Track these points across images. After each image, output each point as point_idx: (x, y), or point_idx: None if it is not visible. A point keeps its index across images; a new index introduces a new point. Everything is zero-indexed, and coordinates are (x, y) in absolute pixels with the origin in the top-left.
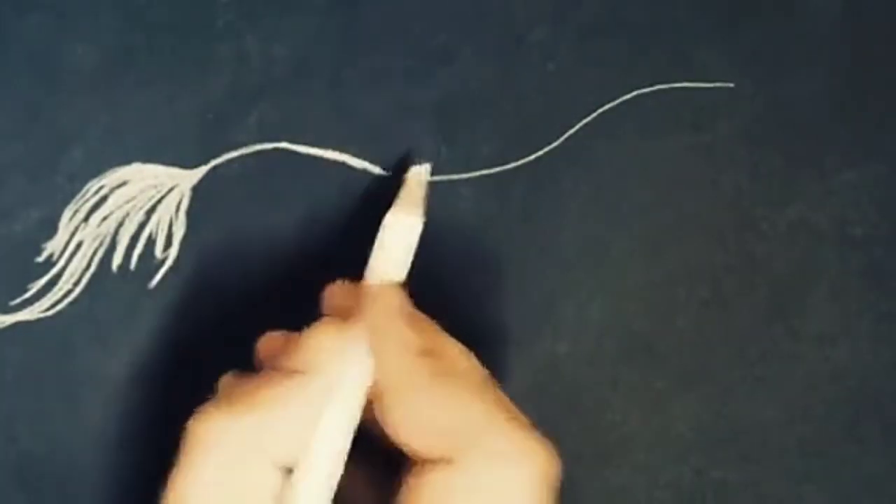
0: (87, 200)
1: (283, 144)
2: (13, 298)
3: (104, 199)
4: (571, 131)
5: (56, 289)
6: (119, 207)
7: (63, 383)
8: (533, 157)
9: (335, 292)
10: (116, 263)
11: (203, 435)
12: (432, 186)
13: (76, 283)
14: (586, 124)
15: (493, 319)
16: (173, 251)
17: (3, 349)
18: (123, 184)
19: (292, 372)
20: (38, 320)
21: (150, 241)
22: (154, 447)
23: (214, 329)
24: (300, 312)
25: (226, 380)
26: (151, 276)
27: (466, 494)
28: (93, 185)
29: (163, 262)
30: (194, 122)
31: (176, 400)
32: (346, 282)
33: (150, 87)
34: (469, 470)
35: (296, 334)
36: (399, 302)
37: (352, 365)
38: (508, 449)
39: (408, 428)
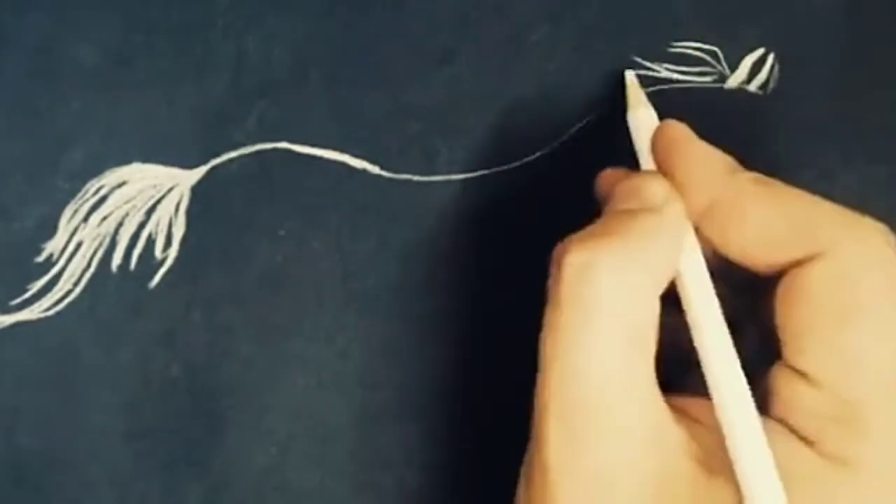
0: (87, 200)
1: (283, 144)
2: (13, 298)
3: (104, 199)
4: (571, 131)
5: (56, 289)
6: (119, 207)
7: (63, 383)
8: (533, 157)
9: (607, 178)
10: (116, 263)
11: (582, 264)
12: (432, 186)
13: (76, 283)
14: (586, 124)
15: (494, 319)
16: (173, 251)
17: (2, 349)
18: (123, 184)
19: (636, 210)
20: (38, 320)
21: (150, 241)
22: (155, 448)
23: (214, 329)
24: (301, 312)
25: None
26: (151, 276)
27: (861, 276)
28: (92, 185)
29: (163, 262)
30: (194, 123)
31: (176, 402)
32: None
33: (149, 87)
34: (846, 256)
35: (632, 173)
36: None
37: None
38: (869, 227)
39: (755, 237)
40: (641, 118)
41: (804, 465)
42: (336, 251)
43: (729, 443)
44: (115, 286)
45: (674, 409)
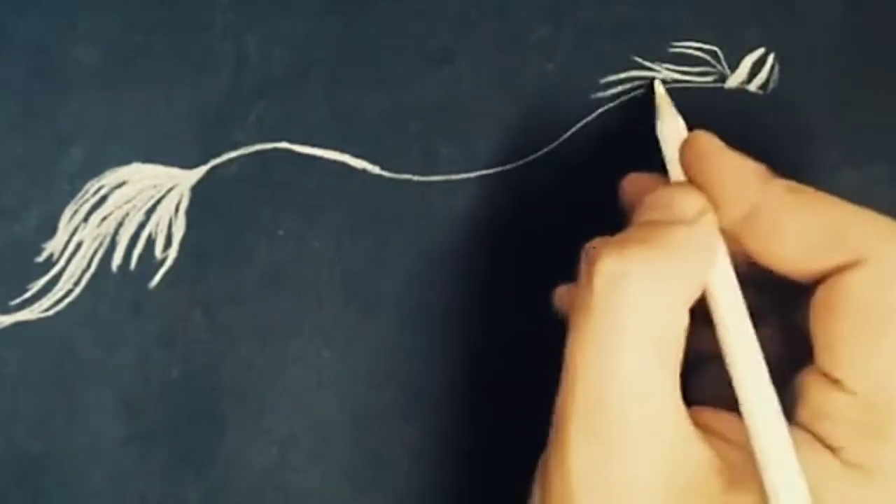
0: (87, 200)
1: (283, 144)
2: (13, 298)
3: (104, 199)
4: (571, 131)
5: (56, 289)
6: (119, 207)
7: (63, 383)
8: (533, 157)
9: (637, 182)
10: (116, 263)
11: (615, 272)
12: (432, 186)
13: (76, 283)
14: (586, 124)
15: (494, 319)
16: (173, 251)
17: (3, 349)
18: (123, 184)
19: (669, 222)
20: (39, 320)
21: (150, 242)
22: (155, 448)
23: (214, 329)
24: (300, 312)
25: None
26: (151, 277)
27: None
28: (92, 186)
29: (163, 262)
30: (193, 123)
31: (176, 401)
32: (647, 175)
33: (149, 87)
34: (887, 262)
35: (663, 179)
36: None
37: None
38: None
39: (795, 246)
40: (670, 128)
41: (827, 473)
42: (336, 251)
43: (757, 451)
44: (115, 286)
45: (698, 421)
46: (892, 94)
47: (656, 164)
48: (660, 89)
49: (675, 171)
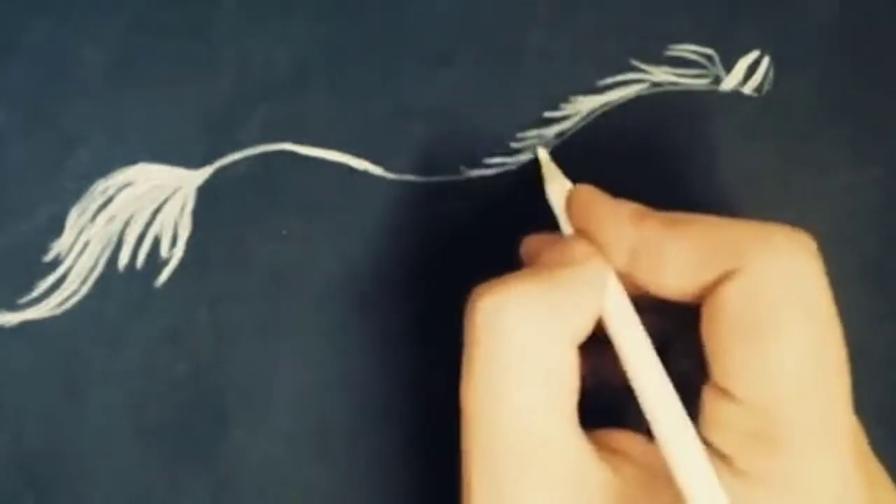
0: (94, 200)
1: (286, 146)
2: (21, 297)
3: (110, 199)
4: (569, 133)
5: (63, 287)
6: (125, 207)
7: (70, 381)
8: (533, 157)
9: (533, 242)
10: (123, 263)
11: (493, 308)
12: (433, 187)
13: (83, 282)
14: (584, 126)
15: None
16: (179, 251)
17: (11, 347)
18: (129, 184)
19: (555, 263)
20: (46, 319)
21: (156, 241)
22: (161, 445)
23: (219, 327)
24: (304, 311)
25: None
26: (157, 275)
27: (771, 289)
28: (99, 186)
29: (168, 261)
30: (199, 124)
31: (182, 399)
32: (543, 234)
33: (155, 89)
34: (757, 271)
35: (558, 236)
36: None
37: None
38: (780, 238)
39: (676, 273)
40: (555, 189)
41: (721, 483)
42: (338, 251)
43: (672, 467)
44: (121, 285)
45: (598, 444)
46: (887, 95)
47: (652, 167)
48: (543, 155)
49: (566, 227)
